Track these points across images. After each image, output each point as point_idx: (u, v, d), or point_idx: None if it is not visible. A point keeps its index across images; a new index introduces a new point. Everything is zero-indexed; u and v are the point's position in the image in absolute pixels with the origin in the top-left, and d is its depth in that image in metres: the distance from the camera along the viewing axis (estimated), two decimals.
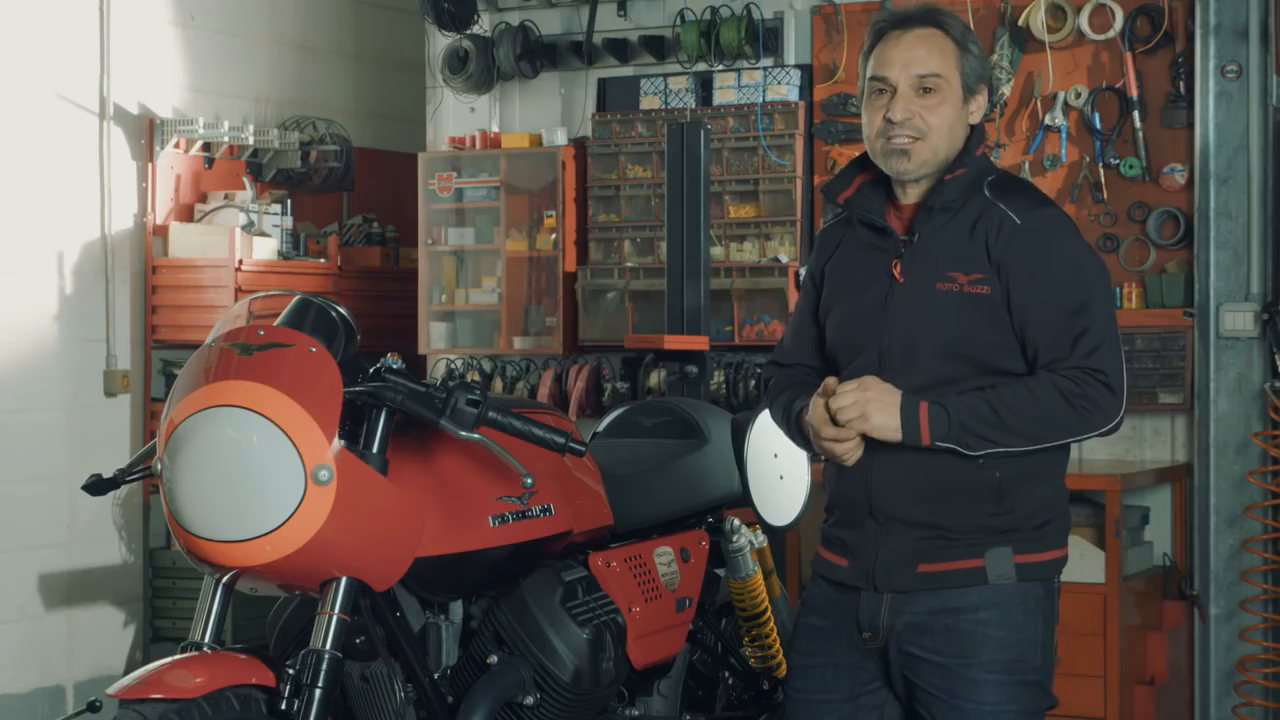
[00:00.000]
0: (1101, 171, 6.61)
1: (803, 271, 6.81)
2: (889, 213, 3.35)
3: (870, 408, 3.18)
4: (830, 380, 3.25)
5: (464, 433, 3.44)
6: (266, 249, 7.53)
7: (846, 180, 3.41)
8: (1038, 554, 3.27)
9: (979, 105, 3.33)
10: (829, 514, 3.41)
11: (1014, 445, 3.19)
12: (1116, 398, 3.20)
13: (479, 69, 7.54)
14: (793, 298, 6.92)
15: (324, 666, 3.35)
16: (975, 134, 3.33)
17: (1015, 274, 3.21)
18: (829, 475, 3.38)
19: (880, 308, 3.29)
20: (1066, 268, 3.23)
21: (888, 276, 3.29)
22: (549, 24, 7.59)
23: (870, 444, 3.23)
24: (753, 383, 6.98)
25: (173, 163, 7.53)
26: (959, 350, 3.23)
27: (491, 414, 3.48)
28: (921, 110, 3.26)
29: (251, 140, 7.67)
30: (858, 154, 3.44)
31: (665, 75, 7.31)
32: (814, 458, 3.49)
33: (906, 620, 3.25)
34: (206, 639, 3.44)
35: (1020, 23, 6.65)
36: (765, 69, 7.11)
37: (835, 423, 3.21)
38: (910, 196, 3.33)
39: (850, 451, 3.23)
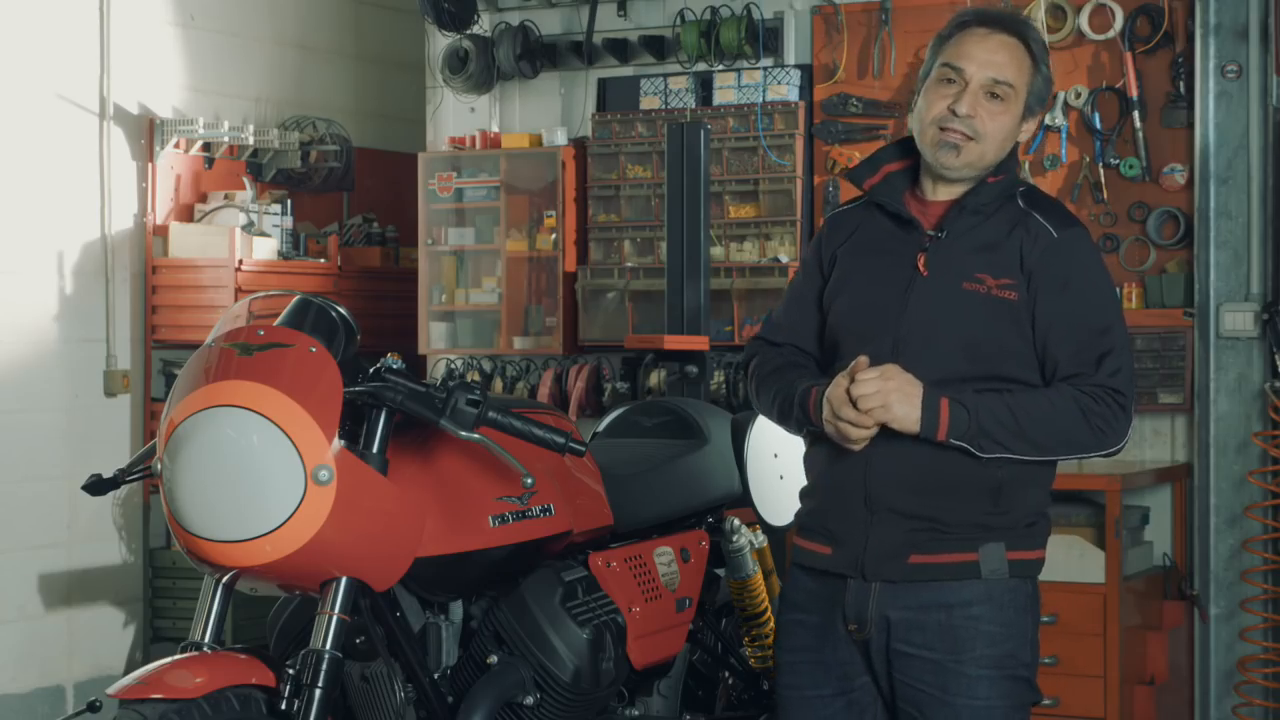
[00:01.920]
0: (1101, 171, 6.61)
1: None
2: (911, 205, 3.35)
3: (893, 398, 3.17)
4: (862, 359, 3.22)
5: (464, 433, 3.44)
6: (266, 249, 7.53)
7: (873, 168, 3.40)
8: (1028, 551, 3.29)
9: (1029, 127, 3.35)
10: (806, 498, 3.40)
11: (1025, 454, 3.21)
12: (1127, 420, 3.24)
13: (479, 69, 7.54)
14: None
15: (324, 666, 3.35)
16: (1015, 149, 3.35)
17: (1046, 286, 3.24)
18: (811, 458, 3.37)
19: (900, 300, 3.28)
20: (1094, 287, 3.27)
21: (911, 269, 3.28)
22: (549, 24, 7.60)
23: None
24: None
25: (173, 163, 7.54)
26: (976, 351, 3.23)
27: (491, 414, 3.47)
28: (984, 113, 3.26)
29: (251, 140, 7.68)
30: (885, 143, 3.43)
31: (665, 75, 7.31)
32: (809, 440, 3.44)
33: (897, 615, 3.25)
34: (206, 639, 3.44)
35: None
36: (765, 69, 7.11)
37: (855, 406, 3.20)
38: (939, 193, 3.33)
39: (864, 438, 3.22)
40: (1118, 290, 3.36)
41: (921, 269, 3.28)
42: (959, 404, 3.18)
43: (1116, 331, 3.26)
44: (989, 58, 3.27)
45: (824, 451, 3.32)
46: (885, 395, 3.17)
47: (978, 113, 3.25)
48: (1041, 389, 3.23)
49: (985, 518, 3.24)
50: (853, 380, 3.19)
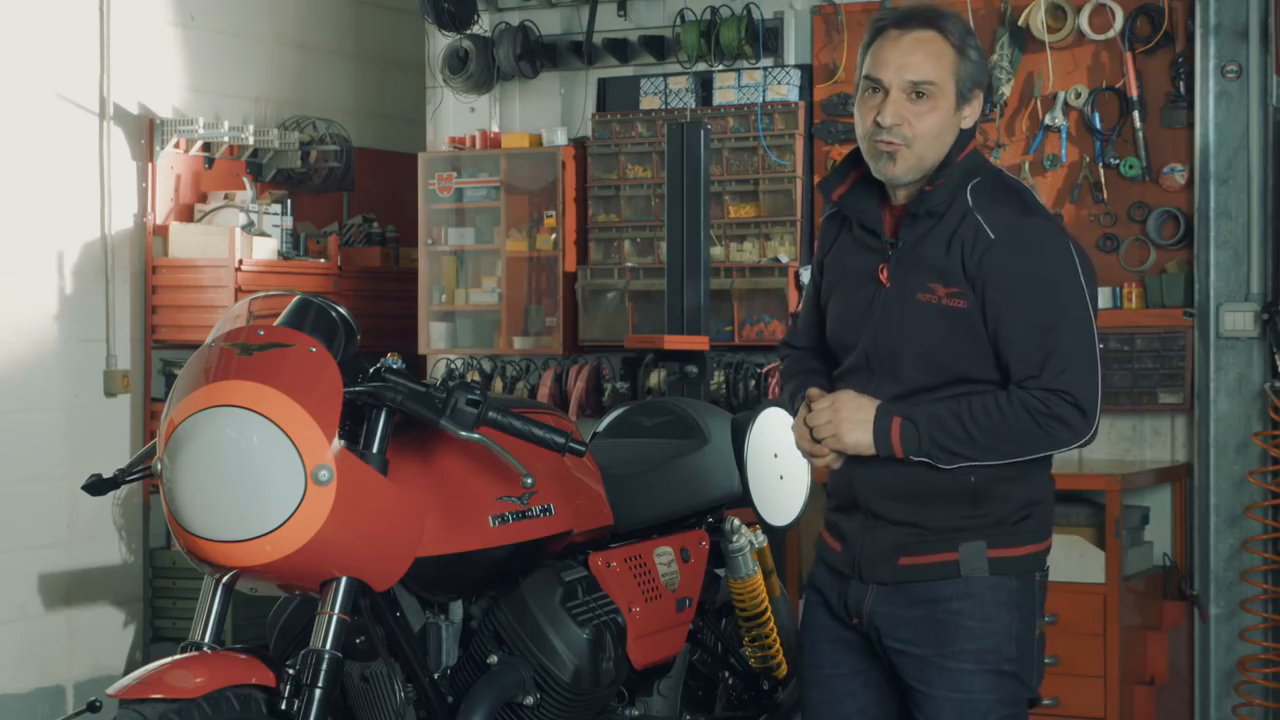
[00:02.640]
0: (1101, 171, 6.60)
1: (804, 273, 6.85)
2: (883, 209, 3.36)
3: (843, 428, 3.25)
4: (813, 391, 3.32)
5: (464, 433, 3.44)
6: (266, 249, 7.53)
7: (841, 176, 3.41)
8: (1012, 549, 3.29)
9: (972, 111, 3.30)
10: (830, 498, 3.47)
11: (982, 459, 3.22)
12: (1087, 417, 3.20)
13: (479, 69, 7.54)
14: (793, 298, 6.93)
15: (324, 666, 3.35)
16: (962, 137, 3.30)
17: (989, 289, 3.21)
18: None
19: (867, 311, 3.33)
20: (1040, 285, 3.21)
21: (875, 280, 3.32)
22: (549, 24, 7.59)
23: None
24: (753, 383, 6.98)
25: (173, 163, 7.53)
26: (937, 361, 3.26)
27: (491, 414, 3.48)
28: (911, 116, 3.24)
29: (251, 140, 7.67)
30: (852, 149, 3.43)
31: (665, 75, 7.31)
32: None
33: (887, 613, 3.31)
34: (206, 639, 3.44)
35: (1020, 23, 6.64)
36: (765, 69, 7.10)
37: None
38: (899, 197, 3.34)
39: (830, 463, 3.32)
40: (1080, 287, 3.22)
41: (884, 280, 3.31)
42: (909, 422, 3.21)
43: (1065, 329, 3.19)
44: (903, 60, 3.25)
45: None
46: (836, 425, 3.25)
47: (904, 118, 3.23)
48: (995, 394, 3.21)
49: (964, 520, 3.28)
50: (810, 409, 3.29)
